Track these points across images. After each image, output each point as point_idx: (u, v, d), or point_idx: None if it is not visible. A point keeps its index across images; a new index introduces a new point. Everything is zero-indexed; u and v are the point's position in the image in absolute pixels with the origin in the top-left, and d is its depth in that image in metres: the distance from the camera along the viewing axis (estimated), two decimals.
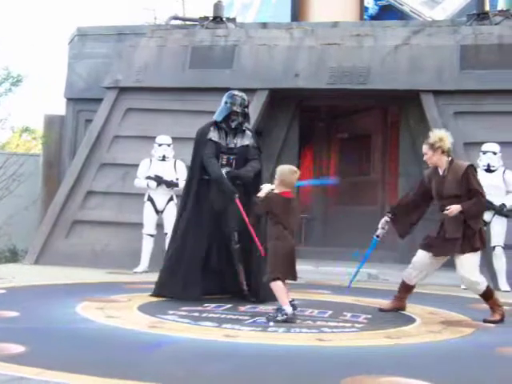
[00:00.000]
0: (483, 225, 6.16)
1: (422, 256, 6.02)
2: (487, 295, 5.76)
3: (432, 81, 10.31)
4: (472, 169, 5.91)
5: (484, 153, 9.05)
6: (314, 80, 10.70)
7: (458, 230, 5.69)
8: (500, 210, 8.86)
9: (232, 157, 6.82)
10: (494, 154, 9.00)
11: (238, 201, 6.43)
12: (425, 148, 5.97)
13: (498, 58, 10.25)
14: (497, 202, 8.85)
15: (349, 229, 11.88)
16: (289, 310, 5.42)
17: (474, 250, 5.74)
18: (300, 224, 11.95)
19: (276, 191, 5.67)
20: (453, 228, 5.71)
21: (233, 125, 6.85)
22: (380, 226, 6.29)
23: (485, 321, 5.70)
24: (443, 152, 5.87)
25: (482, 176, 8.90)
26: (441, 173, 5.91)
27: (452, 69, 10.31)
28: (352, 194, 12.26)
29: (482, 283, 5.74)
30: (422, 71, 10.37)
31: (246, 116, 6.96)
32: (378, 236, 6.32)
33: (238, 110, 6.84)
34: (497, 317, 5.71)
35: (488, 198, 8.78)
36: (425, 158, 5.99)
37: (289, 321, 5.37)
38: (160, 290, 6.71)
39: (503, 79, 10.06)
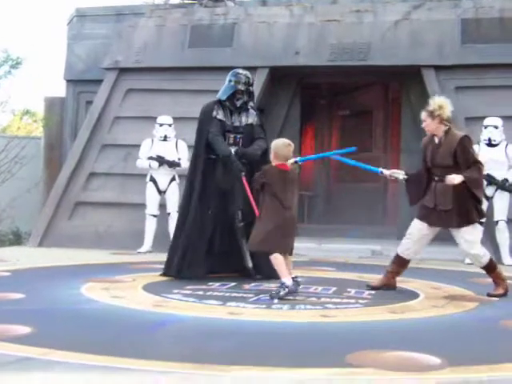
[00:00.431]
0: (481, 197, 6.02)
1: (419, 227, 5.88)
2: (490, 268, 5.72)
3: (433, 56, 10.26)
4: (467, 139, 5.74)
5: (485, 127, 9.02)
6: (314, 57, 10.66)
7: (449, 201, 5.59)
8: (502, 185, 8.86)
9: (239, 136, 6.79)
10: (496, 128, 8.97)
11: (244, 179, 6.42)
12: (424, 115, 5.82)
13: (499, 31, 10.19)
14: (499, 176, 8.84)
15: (351, 206, 11.90)
16: (289, 282, 5.44)
17: (471, 222, 5.64)
18: (302, 201, 11.97)
19: (272, 164, 5.72)
20: (444, 200, 5.61)
21: (238, 103, 6.82)
22: (391, 172, 6.12)
23: (488, 295, 5.68)
24: (442, 120, 5.72)
25: (483, 150, 8.95)
26: (436, 141, 5.79)
27: (453, 43, 10.25)
28: (354, 170, 12.22)
29: (485, 255, 5.69)
30: (423, 46, 10.31)
31: (250, 94, 6.94)
32: (381, 172, 6.16)
33: (243, 89, 6.81)
34: (500, 291, 5.69)
35: (490, 172, 8.85)
36: (423, 124, 5.85)
37: (291, 293, 5.39)
38: (167, 270, 6.75)
39: (505, 53, 10.01)
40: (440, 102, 5.76)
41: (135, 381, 3.14)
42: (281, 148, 5.73)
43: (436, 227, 5.85)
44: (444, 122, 5.73)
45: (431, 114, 5.74)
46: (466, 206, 5.62)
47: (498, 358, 3.67)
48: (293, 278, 5.54)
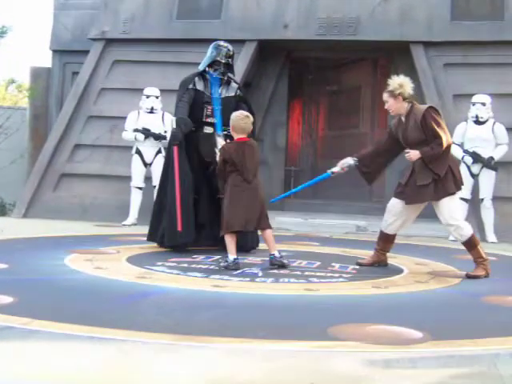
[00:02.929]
0: (458, 166, 5.89)
1: (394, 203, 5.84)
2: (471, 244, 5.57)
3: (422, 32, 10.22)
4: (431, 111, 5.61)
5: (473, 104, 9.01)
6: (303, 31, 10.60)
7: (428, 176, 5.52)
8: (488, 163, 8.87)
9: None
10: (483, 105, 8.96)
11: (175, 149, 6.40)
12: (385, 96, 5.73)
13: (488, 8, 10.14)
14: (485, 154, 8.86)
15: (337, 181, 11.87)
16: (231, 258, 5.56)
17: (449, 194, 5.54)
18: (289, 176, 11.98)
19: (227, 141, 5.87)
20: (422, 175, 5.54)
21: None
22: (340, 165, 6.04)
23: (468, 276, 5.53)
24: (404, 99, 5.64)
25: (471, 128, 8.96)
26: (403, 120, 5.70)
27: (442, 19, 10.21)
28: (341, 146, 12.21)
29: (466, 228, 5.58)
30: (412, 22, 10.26)
31: (229, 67, 6.90)
32: (332, 172, 6.09)
33: (222, 61, 6.78)
34: (480, 272, 5.53)
35: (476, 150, 8.88)
36: (386, 106, 5.75)
37: (229, 268, 5.49)
38: (151, 237, 6.78)
39: (494, 30, 9.99)
40: (400, 81, 5.67)
41: (116, 350, 3.13)
42: (237, 121, 5.77)
43: (414, 204, 5.80)
44: (406, 100, 5.66)
45: (392, 94, 5.66)
46: (443, 179, 5.52)
47: (480, 332, 3.69)
48: (274, 254, 5.65)
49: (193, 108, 6.72)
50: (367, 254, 6.28)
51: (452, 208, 5.58)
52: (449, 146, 5.60)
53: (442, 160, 5.55)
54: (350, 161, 6.03)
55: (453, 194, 5.57)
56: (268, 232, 5.75)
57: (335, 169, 6.07)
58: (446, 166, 5.56)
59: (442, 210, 5.58)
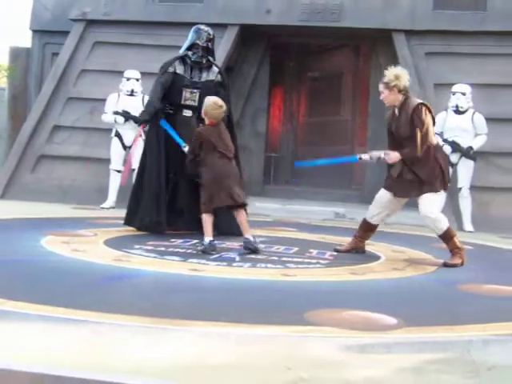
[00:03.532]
0: (448, 166, 5.97)
1: (383, 194, 5.86)
2: (447, 236, 5.62)
3: (404, 20, 10.21)
4: (421, 107, 5.60)
5: (453, 93, 9.05)
6: (285, 17, 10.55)
7: (416, 171, 5.55)
8: (467, 153, 8.92)
9: (195, 90, 6.78)
10: (463, 94, 9.00)
11: (141, 128, 6.45)
12: (381, 87, 5.71)
13: None
14: (464, 144, 8.91)
15: (317, 168, 11.89)
16: (206, 240, 5.62)
17: (434, 191, 5.60)
18: (269, 163, 11.98)
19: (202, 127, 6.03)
20: (412, 170, 5.57)
21: (193, 58, 6.79)
22: (372, 154, 5.90)
23: (445, 264, 5.58)
24: (400, 91, 5.62)
25: (451, 117, 9.00)
26: (396, 113, 5.70)
27: (425, 8, 10.21)
28: (322, 133, 12.23)
29: (443, 221, 5.61)
30: (395, 10, 10.25)
31: (209, 51, 6.89)
32: (360, 158, 6.04)
33: (200, 44, 6.78)
34: (457, 260, 5.59)
35: (456, 139, 8.93)
36: (381, 97, 5.75)
37: (206, 251, 5.54)
38: (128, 221, 6.78)
39: (476, 20, 10.01)
40: (396, 73, 5.65)
41: (92, 332, 3.12)
42: (211, 109, 5.88)
43: (402, 198, 5.84)
44: (401, 92, 5.65)
45: (387, 86, 5.65)
46: (432, 176, 5.58)
47: (454, 319, 3.72)
48: (248, 238, 5.67)
49: (172, 91, 6.75)
50: (345, 241, 6.29)
51: (431, 202, 5.62)
52: (433, 148, 5.60)
53: (423, 163, 5.57)
54: (381, 154, 5.83)
55: (438, 191, 5.63)
56: (241, 214, 5.79)
57: (364, 155, 6.00)
58: (430, 169, 5.58)
59: (421, 202, 5.63)
